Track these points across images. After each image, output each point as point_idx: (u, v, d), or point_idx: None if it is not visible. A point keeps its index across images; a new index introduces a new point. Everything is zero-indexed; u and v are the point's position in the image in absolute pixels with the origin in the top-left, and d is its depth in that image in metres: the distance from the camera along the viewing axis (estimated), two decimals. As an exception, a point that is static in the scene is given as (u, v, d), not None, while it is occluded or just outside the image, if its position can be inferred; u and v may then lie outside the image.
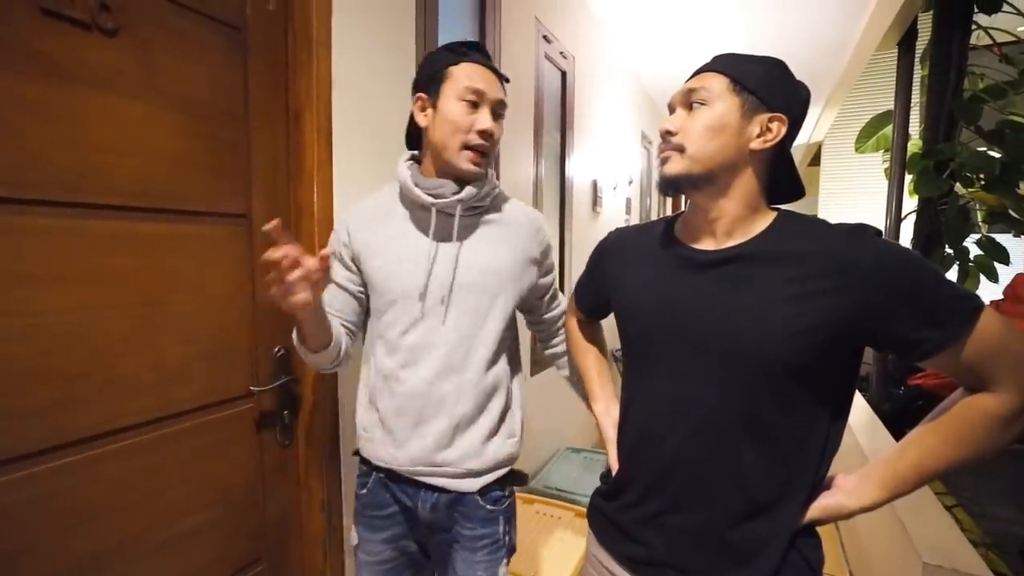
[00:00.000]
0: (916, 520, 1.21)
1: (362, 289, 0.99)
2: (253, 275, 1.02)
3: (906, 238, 3.20)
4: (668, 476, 0.73)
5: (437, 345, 0.92)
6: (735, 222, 0.71)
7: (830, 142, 5.61)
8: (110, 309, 0.80)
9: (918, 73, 3.55)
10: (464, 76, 0.89)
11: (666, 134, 0.73)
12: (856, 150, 4.44)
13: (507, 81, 0.95)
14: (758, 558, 0.68)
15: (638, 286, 0.80)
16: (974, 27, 3.47)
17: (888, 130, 3.99)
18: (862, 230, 0.65)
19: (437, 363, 0.92)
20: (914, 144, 3.61)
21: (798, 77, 0.72)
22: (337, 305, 0.98)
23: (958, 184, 3.56)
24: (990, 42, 3.59)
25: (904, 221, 3.38)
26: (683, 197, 0.76)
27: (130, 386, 0.83)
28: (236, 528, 1.01)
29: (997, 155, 3.45)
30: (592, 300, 0.95)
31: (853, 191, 5.53)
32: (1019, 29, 3.59)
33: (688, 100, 0.72)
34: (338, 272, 0.98)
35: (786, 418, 0.66)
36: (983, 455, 0.62)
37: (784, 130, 0.69)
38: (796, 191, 0.76)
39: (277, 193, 1.07)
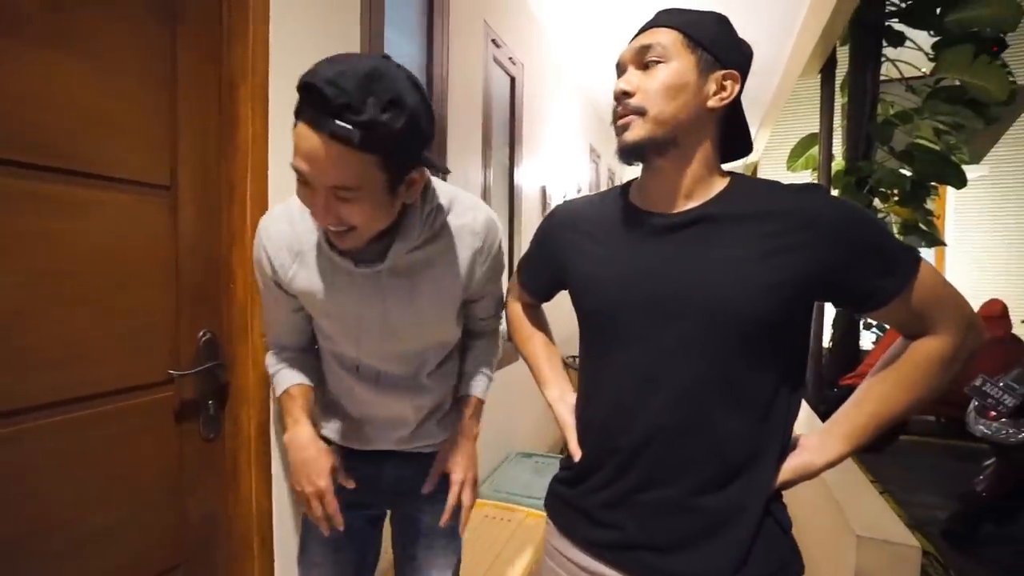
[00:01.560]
0: (850, 499, 1.27)
1: (303, 308, 0.91)
2: (177, 252, 0.95)
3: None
4: (641, 452, 0.69)
5: (390, 370, 0.93)
6: (694, 183, 0.70)
7: (765, 162, 5.98)
8: (5, 275, 0.71)
9: (839, 101, 3.89)
10: (295, 141, 0.65)
11: (622, 95, 0.68)
12: (788, 168, 4.78)
13: (363, 145, 0.62)
14: (734, 527, 0.66)
15: (597, 260, 0.76)
16: (884, 59, 3.86)
17: (815, 150, 4.33)
18: (815, 188, 0.67)
19: (392, 384, 0.93)
20: (837, 164, 3.93)
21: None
22: (293, 339, 0.96)
23: (876, 199, 3.90)
24: (899, 75, 4.00)
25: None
26: None
27: (28, 361, 0.74)
28: (151, 530, 0.91)
29: (908, 173, 3.81)
30: (541, 281, 0.91)
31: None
32: (923, 70, 4.04)
33: (642, 58, 0.67)
34: (280, 304, 0.90)
35: (758, 379, 0.67)
36: (932, 395, 0.66)
37: (737, 88, 0.69)
38: (747, 147, 0.77)
39: (207, 167, 1.00)
